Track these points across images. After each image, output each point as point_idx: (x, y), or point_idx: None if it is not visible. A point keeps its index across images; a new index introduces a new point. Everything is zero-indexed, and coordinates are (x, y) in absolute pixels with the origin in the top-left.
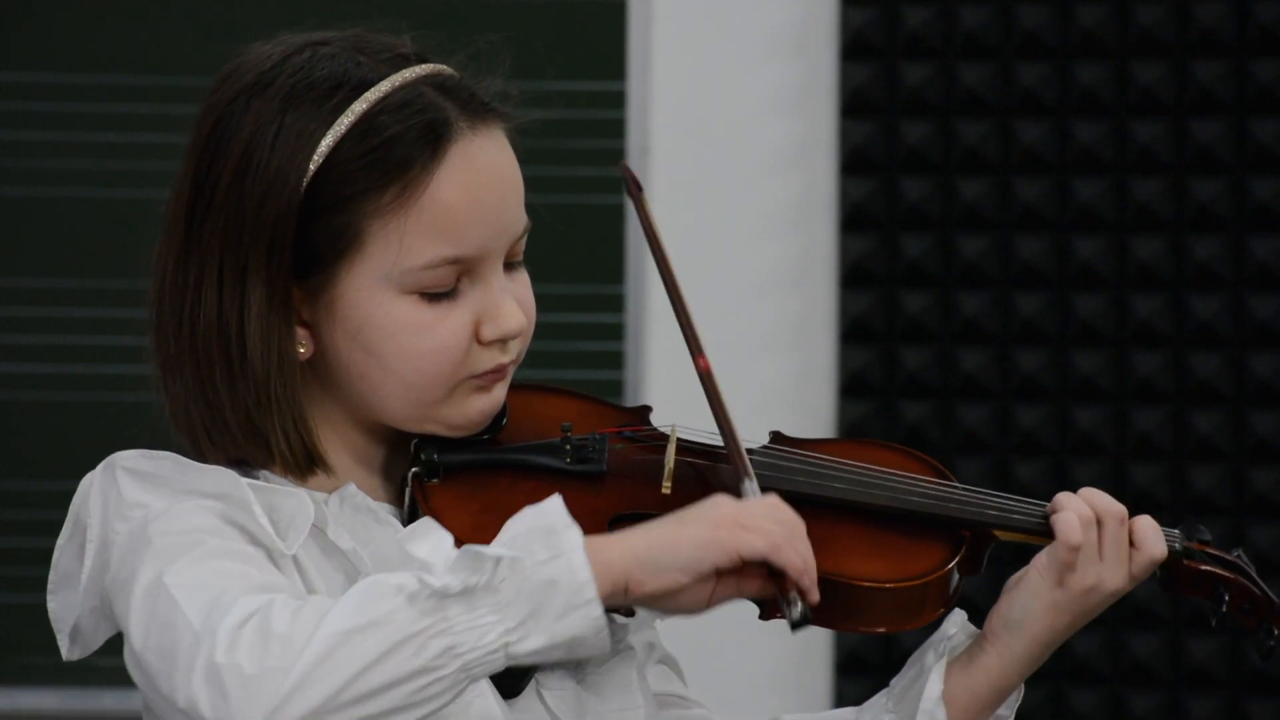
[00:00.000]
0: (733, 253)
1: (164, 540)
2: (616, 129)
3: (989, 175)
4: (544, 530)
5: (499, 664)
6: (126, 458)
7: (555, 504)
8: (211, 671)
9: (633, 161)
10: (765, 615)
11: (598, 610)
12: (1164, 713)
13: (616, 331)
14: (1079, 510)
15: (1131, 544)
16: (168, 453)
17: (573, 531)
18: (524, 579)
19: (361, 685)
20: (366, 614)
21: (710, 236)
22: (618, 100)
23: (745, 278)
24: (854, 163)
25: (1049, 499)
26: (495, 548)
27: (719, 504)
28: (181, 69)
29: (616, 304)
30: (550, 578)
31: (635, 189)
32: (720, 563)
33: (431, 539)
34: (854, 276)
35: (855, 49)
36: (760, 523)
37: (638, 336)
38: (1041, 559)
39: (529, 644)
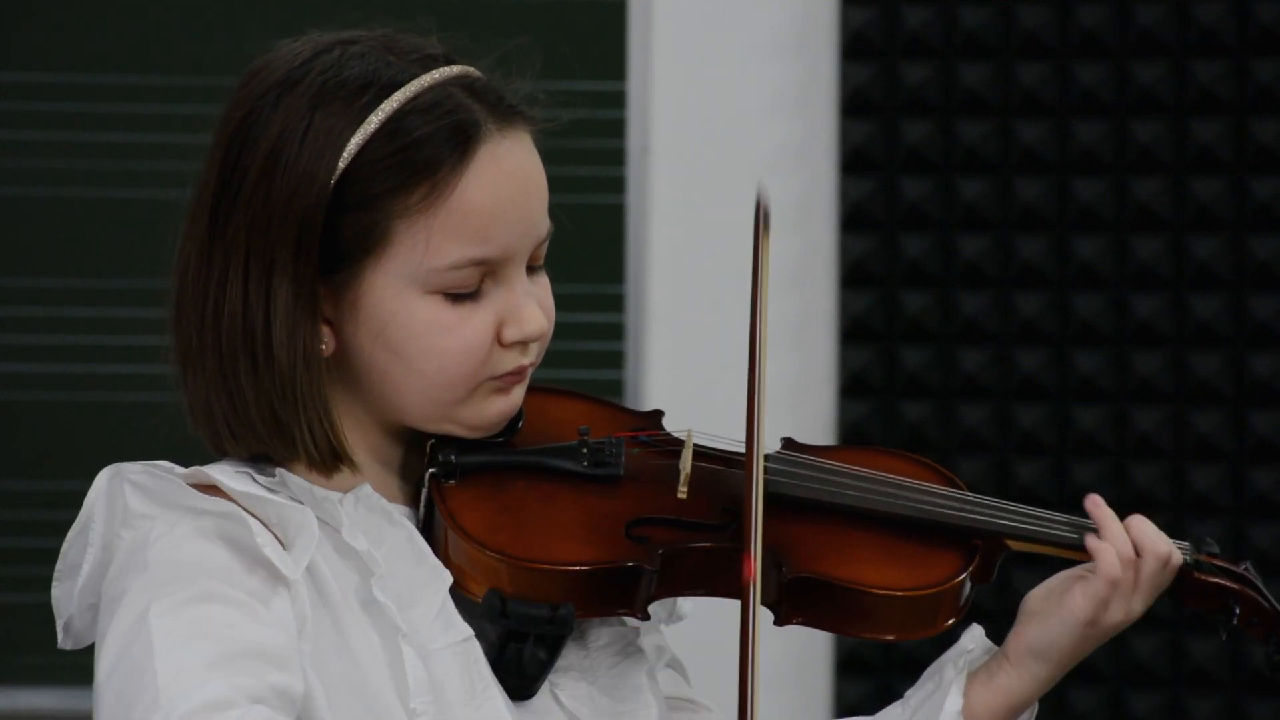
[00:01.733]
0: (733, 253)
1: (159, 569)
2: (616, 129)
3: (989, 175)
4: None
5: None
6: (133, 471)
7: None
8: None
9: (632, 161)
10: (780, 621)
11: None
12: (1164, 713)
13: (616, 331)
14: (1121, 548)
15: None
16: (172, 476)
17: None
18: None
19: None
20: None
21: (710, 236)
22: (618, 100)
23: (745, 278)
24: (854, 163)
25: (1050, 499)
26: None
27: None
28: (182, 69)
29: (616, 304)
30: None
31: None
32: None
33: None
34: (854, 276)
35: (855, 49)
36: None
37: (638, 336)
38: (1077, 599)
39: None
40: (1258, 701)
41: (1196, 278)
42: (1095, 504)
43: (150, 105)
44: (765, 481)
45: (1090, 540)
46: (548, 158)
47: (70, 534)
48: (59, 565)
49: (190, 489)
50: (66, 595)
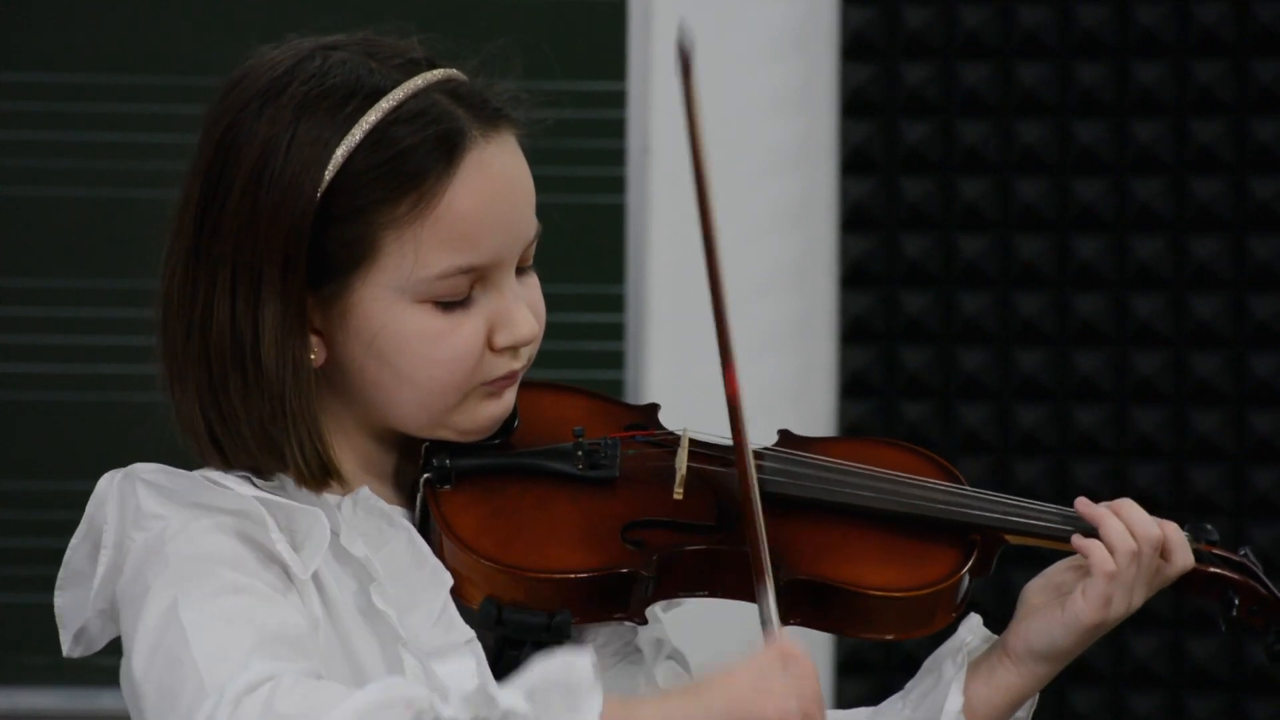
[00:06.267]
0: (733, 253)
1: (180, 564)
2: (616, 129)
3: (989, 175)
4: (567, 689)
5: None
6: (147, 470)
7: (585, 663)
8: None
9: (632, 161)
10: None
11: None
12: (1164, 713)
13: (616, 331)
14: (1119, 543)
15: (1160, 556)
16: (188, 473)
17: (595, 698)
18: None
19: None
20: None
21: None
22: (618, 100)
23: (745, 278)
24: (854, 163)
25: (1050, 499)
26: (513, 696)
27: (737, 677)
28: (181, 69)
29: (616, 304)
30: None
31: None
32: None
33: (456, 662)
34: (854, 276)
35: (855, 49)
36: (779, 698)
37: (638, 336)
38: (1079, 603)
39: None
40: (1258, 701)
41: (1196, 278)
42: (1084, 504)
43: (149, 105)
44: (760, 481)
45: (1076, 539)
46: (547, 158)
47: (74, 541)
48: (61, 574)
49: (207, 483)
50: (73, 604)
